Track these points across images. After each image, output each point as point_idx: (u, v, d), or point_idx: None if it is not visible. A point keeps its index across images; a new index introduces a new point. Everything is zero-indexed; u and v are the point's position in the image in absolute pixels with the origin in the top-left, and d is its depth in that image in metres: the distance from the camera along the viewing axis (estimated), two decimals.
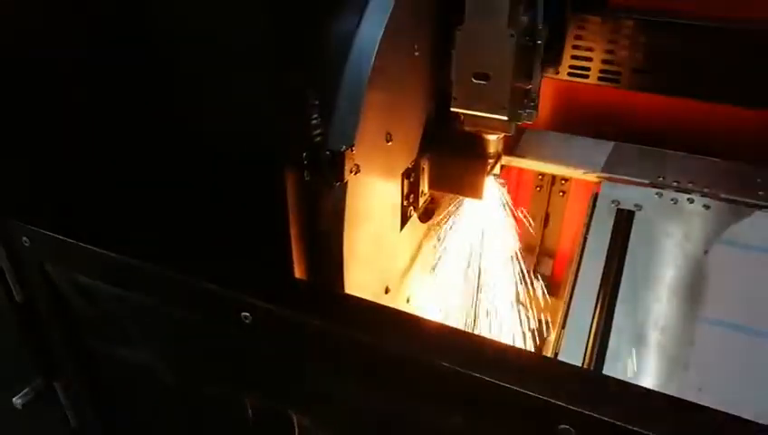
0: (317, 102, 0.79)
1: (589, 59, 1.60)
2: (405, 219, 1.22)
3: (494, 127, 1.18)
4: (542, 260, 1.87)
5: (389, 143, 1.02)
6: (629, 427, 0.50)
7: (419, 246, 1.37)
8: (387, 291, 1.20)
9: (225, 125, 0.81)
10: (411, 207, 1.23)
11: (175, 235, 0.81)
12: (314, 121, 0.79)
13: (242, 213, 0.86)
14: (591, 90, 1.70)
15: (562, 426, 0.51)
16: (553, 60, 1.29)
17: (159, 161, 0.85)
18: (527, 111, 1.19)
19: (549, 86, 1.70)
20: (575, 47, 1.61)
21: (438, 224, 1.40)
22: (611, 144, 1.59)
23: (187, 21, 0.76)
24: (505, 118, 1.11)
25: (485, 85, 1.08)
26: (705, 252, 1.29)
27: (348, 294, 0.90)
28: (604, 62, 1.60)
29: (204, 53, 0.76)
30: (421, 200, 1.28)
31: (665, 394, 0.57)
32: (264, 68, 0.75)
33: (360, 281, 1.05)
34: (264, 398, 0.77)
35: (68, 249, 0.74)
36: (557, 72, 1.35)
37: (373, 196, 1.02)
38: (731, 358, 1.15)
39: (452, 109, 1.14)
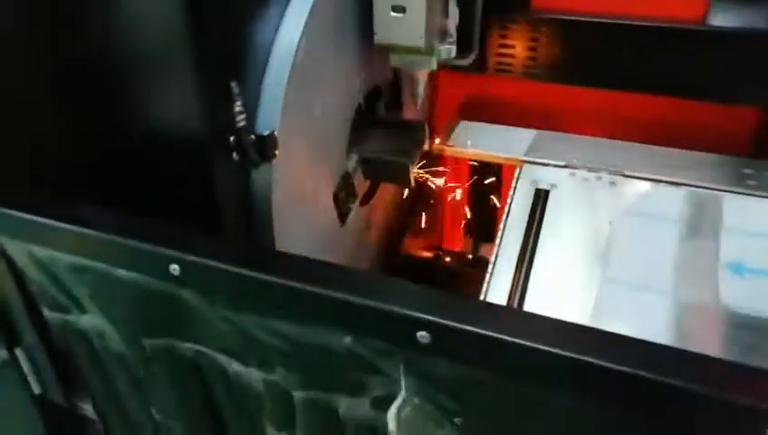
0: (238, 92, 0.92)
1: (512, 56, 1.77)
2: (345, 212, 1.35)
3: (417, 63, 1.31)
4: None
5: (314, 131, 1.16)
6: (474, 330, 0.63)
7: (359, 228, 1.50)
8: None
9: (157, 115, 0.93)
10: (350, 198, 1.36)
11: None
12: (237, 109, 0.92)
13: (178, 194, 0.98)
14: (518, 84, 1.88)
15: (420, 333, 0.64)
16: (466, 49, 1.43)
17: (99, 146, 0.97)
18: (446, 46, 1.32)
19: (481, 83, 1.87)
20: (501, 45, 1.77)
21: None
22: (534, 132, 1.75)
23: (115, 18, 0.88)
24: (422, 46, 1.22)
25: (403, 17, 1.19)
26: (610, 222, 1.45)
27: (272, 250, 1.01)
28: (527, 58, 1.77)
29: (135, 49, 0.88)
30: (359, 191, 1.41)
31: (540, 315, 0.70)
32: (190, 63, 0.87)
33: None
34: (201, 348, 0.89)
35: (22, 223, 0.85)
36: (469, 60, 1.50)
37: (301, 178, 1.15)
38: (629, 312, 1.30)
39: (375, 42, 1.24)
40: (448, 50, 1.31)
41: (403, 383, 0.70)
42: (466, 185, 1.99)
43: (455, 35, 1.31)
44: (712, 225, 1.40)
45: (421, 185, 1.69)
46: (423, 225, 1.95)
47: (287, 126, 1.05)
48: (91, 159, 1.00)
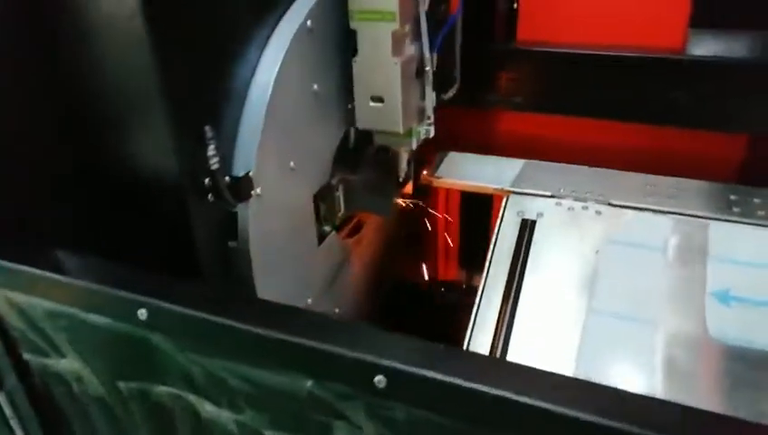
0: (212, 136, 0.94)
1: (497, 88, 1.80)
2: (322, 236, 1.36)
3: (398, 143, 1.36)
4: None
5: (294, 169, 1.18)
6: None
7: (345, 260, 1.51)
8: (309, 303, 1.33)
9: (135, 159, 0.95)
10: (328, 226, 1.38)
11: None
12: (211, 152, 0.94)
13: (158, 235, 1.00)
14: (507, 115, 1.90)
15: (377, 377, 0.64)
16: (448, 83, 1.47)
17: (82, 187, 1.00)
18: (425, 127, 1.36)
19: (470, 114, 1.89)
20: (487, 78, 1.80)
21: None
22: (522, 162, 1.77)
23: (96, 65, 0.91)
24: (401, 132, 1.27)
25: (381, 106, 1.25)
26: (597, 251, 1.44)
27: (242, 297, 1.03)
28: (512, 89, 1.79)
29: (111, 95, 0.91)
30: (339, 218, 1.43)
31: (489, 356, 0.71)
32: (163, 110, 0.90)
33: (275, 297, 1.18)
34: (174, 390, 0.89)
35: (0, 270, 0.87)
36: (452, 94, 1.53)
37: (280, 216, 1.17)
38: (616, 343, 1.29)
39: (357, 126, 1.30)
40: (427, 130, 1.36)
41: (365, 427, 0.70)
42: (458, 214, 2.00)
43: (432, 116, 1.36)
44: (698, 253, 1.40)
45: (414, 214, 1.70)
46: (416, 254, 1.96)
47: (264, 166, 1.07)
48: (73, 202, 1.03)
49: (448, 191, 1.94)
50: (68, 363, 0.98)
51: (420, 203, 1.73)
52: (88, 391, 1.00)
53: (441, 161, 1.82)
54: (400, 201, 1.60)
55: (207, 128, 0.94)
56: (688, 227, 1.45)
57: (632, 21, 1.60)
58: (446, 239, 2.06)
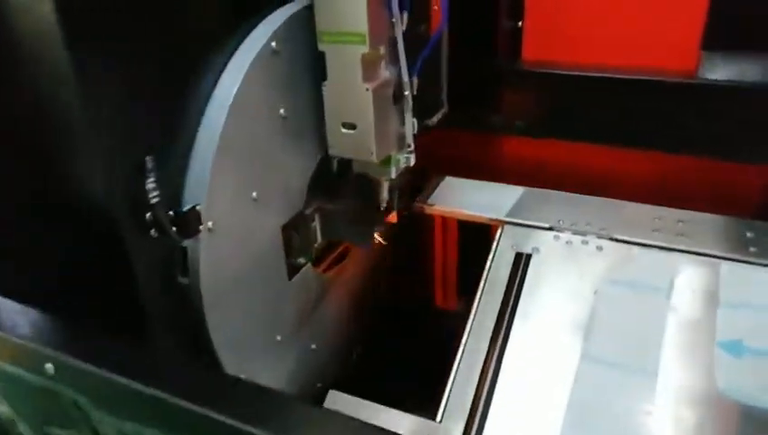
0: (152, 167, 0.87)
1: (498, 110, 1.70)
2: (295, 269, 1.27)
3: (375, 172, 1.27)
4: None
5: (256, 199, 1.09)
6: None
7: (324, 293, 1.42)
8: (277, 339, 1.25)
9: (72, 194, 0.89)
10: (302, 257, 1.30)
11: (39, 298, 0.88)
12: (150, 185, 0.86)
13: (97, 273, 0.93)
14: (508, 139, 1.80)
15: None
16: (434, 108, 1.37)
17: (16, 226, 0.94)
18: (405, 155, 1.27)
19: (468, 137, 1.80)
20: (486, 100, 1.71)
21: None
22: (521, 190, 1.65)
23: (36, 99, 0.85)
24: (375, 160, 1.18)
25: (354, 133, 1.16)
26: (595, 292, 1.32)
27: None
28: (515, 112, 1.69)
29: (49, 128, 0.85)
30: (315, 250, 1.34)
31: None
32: (94, 139, 0.83)
33: (234, 333, 1.10)
34: None
35: None
36: (437, 120, 1.44)
37: (240, 249, 1.08)
38: (611, 396, 1.16)
39: (329, 153, 1.22)
40: (407, 158, 1.27)
41: None
42: (456, 240, 1.90)
43: (413, 144, 1.26)
44: (708, 297, 1.26)
45: (408, 240, 1.60)
46: (412, 281, 1.86)
47: (218, 197, 0.99)
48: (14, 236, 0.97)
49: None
50: (4, 409, 0.92)
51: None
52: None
53: (436, 186, 1.72)
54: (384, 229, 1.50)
55: (148, 159, 0.87)
56: (698, 266, 1.31)
57: (643, 42, 1.49)
58: (444, 266, 1.96)
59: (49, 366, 0.70)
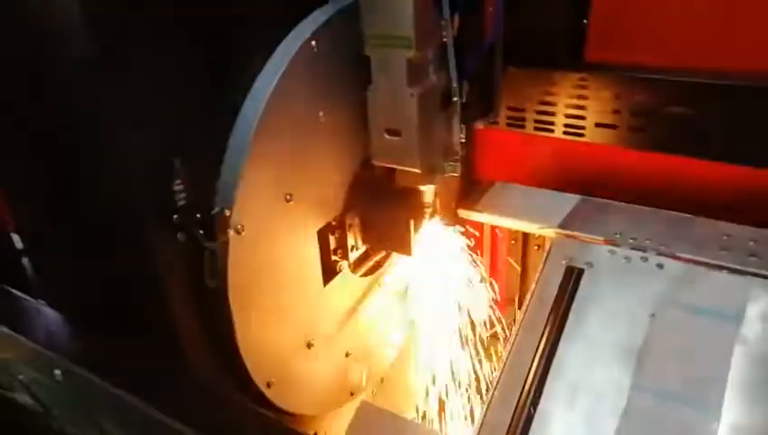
0: (180, 169, 0.85)
1: (554, 113, 1.59)
2: (331, 274, 1.24)
3: (419, 180, 1.21)
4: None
5: (291, 203, 1.07)
6: None
7: (361, 299, 1.38)
8: (309, 346, 1.22)
9: (99, 194, 0.89)
10: (340, 263, 1.26)
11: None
12: (177, 187, 0.85)
13: (124, 276, 0.92)
14: (567, 143, 1.68)
15: None
16: (485, 112, 1.30)
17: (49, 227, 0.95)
18: (450, 163, 1.21)
19: (525, 140, 1.70)
20: (543, 102, 1.61)
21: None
22: (577, 198, 1.55)
23: (64, 96, 0.85)
24: (418, 171, 1.13)
25: (398, 140, 1.11)
26: (652, 315, 1.21)
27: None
28: (573, 117, 1.58)
29: (77, 126, 0.85)
30: (354, 255, 1.30)
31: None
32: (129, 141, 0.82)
33: (263, 337, 1.08)
34: None
35: None
36: (492, 123, 1.36)
37: (272, 253, 1.06)
38: (658, 431, 1.06)
39: (372, 162, 1.18)
40: (453, 167, 1.20)
41: None
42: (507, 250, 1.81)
43: (460, 152, 1.20)
44: None
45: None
46: None
47: (250, 200, 0.97)
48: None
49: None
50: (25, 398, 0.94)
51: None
52: None
53: (485, 192, 1.65)
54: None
55: (177, 161, 0.86)
56: None
57: (732, 39, 1.35)
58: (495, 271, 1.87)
59: (57, 372, 0.69)
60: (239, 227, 0.96)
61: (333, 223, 1.21)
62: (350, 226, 1.26)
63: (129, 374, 0.69)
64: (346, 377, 1.38)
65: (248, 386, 1.08)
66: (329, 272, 1.23)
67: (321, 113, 1.08)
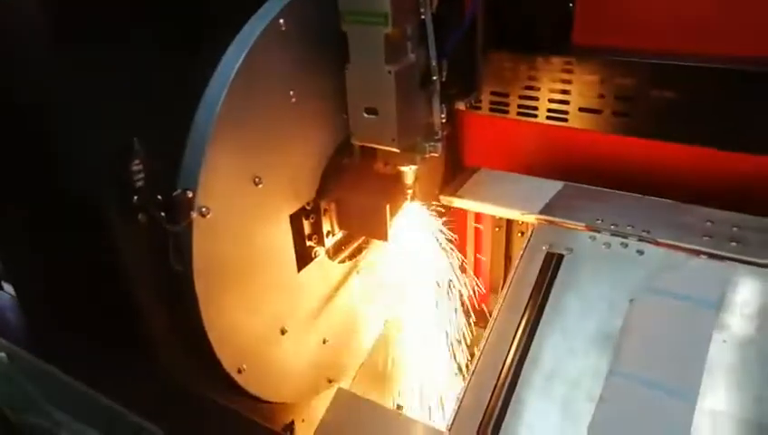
0: (139, 149, 0.83)
1: (537, 98, 1.57)
2: (306, 260, 1.22)
3: (399, 160, 1.19)
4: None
5: (260, 186, 1.04)
6: None
7: (339, 286, 1.36)
8: (283, 332, 1.20)
9: (57, 177, 0.86)
10: (316, 249, 1.24)
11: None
12: (135, 167, 0.83)
13: (85, 261, 0.90)
14: (551, 129, 1.66)
15: None
16: (466, 92, 1.28)
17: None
18: (431, 144, 1.19)
19: (509, 125, 1.68)
20: (527, 87, 1.58)
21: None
22: (560, 184, 1.53)
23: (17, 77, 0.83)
24: (396, 150, 1.12)
25: (376, 119, 1.09)
26: (631, 300, 1.20)
27: None
28: (558, 101, 1.55)
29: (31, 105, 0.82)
30: (330, 241, 1.28)
31: None
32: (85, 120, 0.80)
33: (232, 322, 1.06)
34: None
35: None
36: (472, 105, 1.34)
37: (241, 237, 1.04)
38: (638, 417, 1.04)
39: (352, 141, 1.16)
40: (434, 147, 1.18)
41: None
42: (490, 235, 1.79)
43: (441, 132, 1.18)
44: (764, 314, 1.11)
45: None
46: None
47: (216, 182, 0.95)
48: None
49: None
50: None
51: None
52: None
53: (467, 179, 1.62)
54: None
55: (136, 140, 0.83)
56: (753, 279, 1.16)
57: (715, 25, 1.32)
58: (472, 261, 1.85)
59: (2, 355, 0.67)
60: (203, 209, 0.93)
61: (307, 207, 1.19)
62: (326, 211, 1.24)
63: (83, 361, 0.67)
64: (323, 364, 1.36)
65: (219, 372, 1.06)
66: (303, 258, 1.21)
67: (291, 94, 1.06)
